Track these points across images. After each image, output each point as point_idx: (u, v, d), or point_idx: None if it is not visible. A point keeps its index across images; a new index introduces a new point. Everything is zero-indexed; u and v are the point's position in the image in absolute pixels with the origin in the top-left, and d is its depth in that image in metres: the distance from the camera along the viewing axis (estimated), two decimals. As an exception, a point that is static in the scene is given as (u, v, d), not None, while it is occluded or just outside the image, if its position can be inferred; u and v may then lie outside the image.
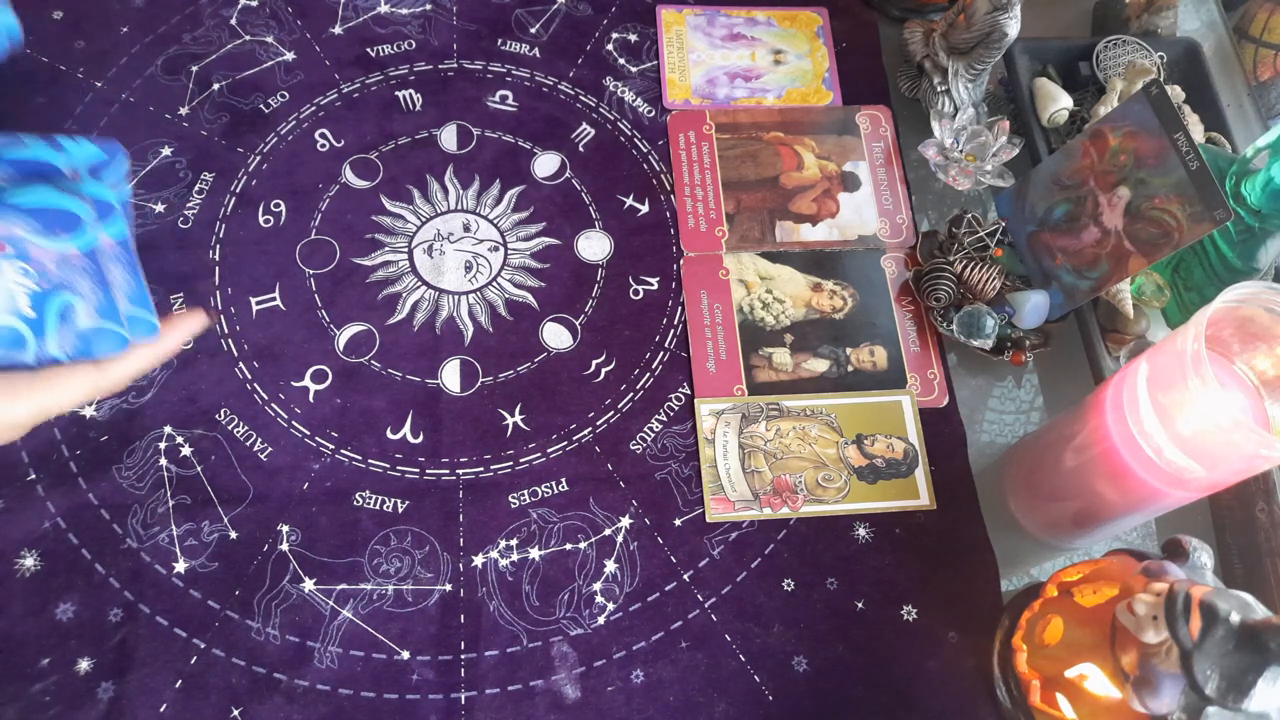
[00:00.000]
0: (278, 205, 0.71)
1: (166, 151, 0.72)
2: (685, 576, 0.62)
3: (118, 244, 0.44)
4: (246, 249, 0.70)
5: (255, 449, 0.63)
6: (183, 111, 0.74)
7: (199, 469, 0.62)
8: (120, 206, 0.44)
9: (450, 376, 0.67)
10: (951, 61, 0.75)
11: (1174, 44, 0.79)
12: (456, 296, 0.70)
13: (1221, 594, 0.44)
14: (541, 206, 0.74)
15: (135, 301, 0.44)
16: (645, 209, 0.74)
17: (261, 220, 0.71)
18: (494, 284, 0.70)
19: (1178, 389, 0.49)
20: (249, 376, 0.65)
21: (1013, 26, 0.70)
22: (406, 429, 0.65)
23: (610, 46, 0.81)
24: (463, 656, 0.59)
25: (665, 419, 0.67)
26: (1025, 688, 0.55)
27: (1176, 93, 0.75)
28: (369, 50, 0.78)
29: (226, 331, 0.67)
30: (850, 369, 0.70)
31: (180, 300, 0.67)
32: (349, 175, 0.73)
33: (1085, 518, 0.60)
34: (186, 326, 0.47)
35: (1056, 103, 0.74)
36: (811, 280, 0.73)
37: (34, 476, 0.61)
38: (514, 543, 0.62)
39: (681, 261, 0.73)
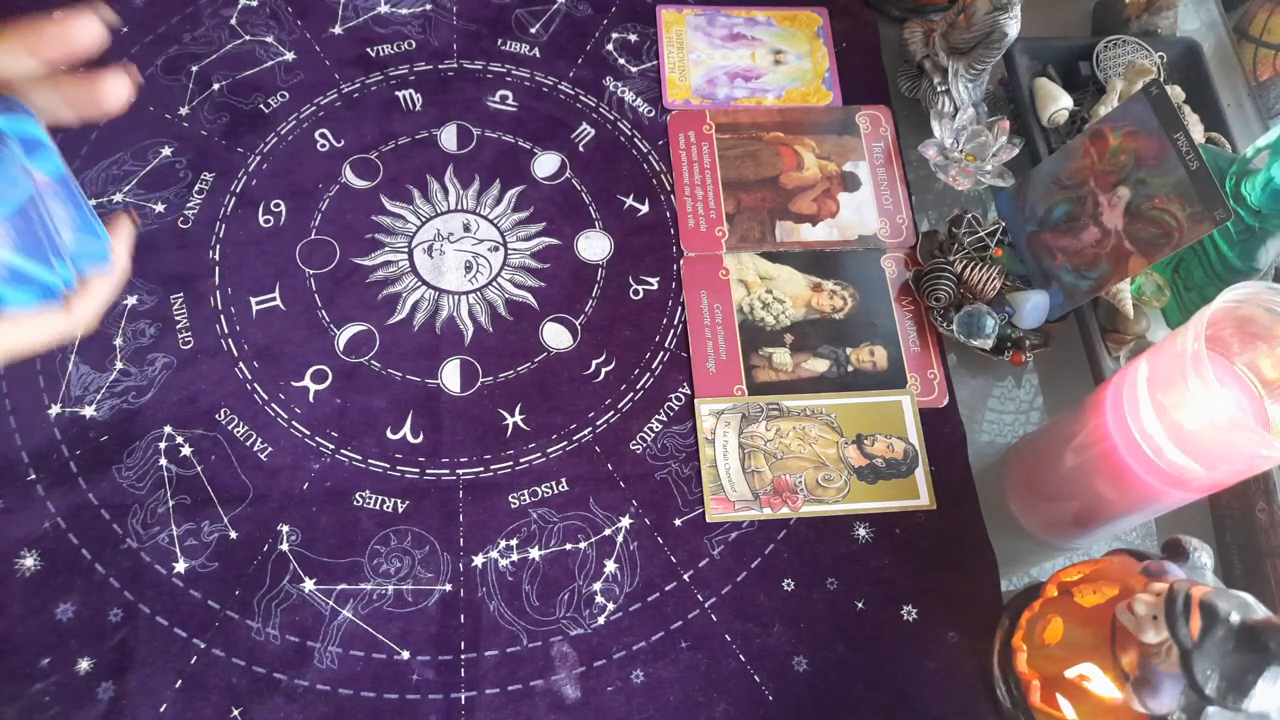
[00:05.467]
0: (278, 205, 0.71)
1: (166, 151, 0.72)
2: (685, 576, 0.62)
3: (54, 181, 0.41)
4: (246, 249, 0.70)
5: (255, 449, 0.63)
6: (183, 111, 0.74)
7: (199, 469, 0.62)
8: (47, 140, 0.40)
9: (450, 376, 0.67)
10: (951, 61, 0.75)
11: (1174, 44, 0.79)
12: (456, 296, 0.70)
13: (1221, 594, 0.44)
14: (541, 206, 0.74)
15: (85, 231, 0.42)
16: (645, 209, 0.74)
17: (261, 220, 0.71)
18: (494, 284, 0.70)
19: (1178, 389, 0.49)
20: (249, 376, 0.65)
21: (1013, 26, 0.70)
22: (406, 429, 0.65)
23: (610, 46, 0.81)
24: (463, 656, 0.59)
25: (665, 419, 0.67)
26: (1025, 688, 0.55)
27: (1176, 93, 0.75)
28: (369, 50, 0.78)
29: (226, 331, 0.67)
30: (850, 369, 0.70)
31: (180, 300, 0.67)
32: (349, 175, 0.73)
33: (1085, 518, 0.60)
34: (121, 238, 0.44)
35: (1056, 103, 0.74)
36: (811, 280, 0.73)
37: (34, 476, 0.61)
38: (514, 543, 0.62)
39: (681, 261, 0.73)
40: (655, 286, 0.72)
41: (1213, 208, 0.58)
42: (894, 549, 0.64)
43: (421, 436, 0.65)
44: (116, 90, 0.40)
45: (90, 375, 0.64)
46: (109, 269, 0.42)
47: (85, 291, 0.41)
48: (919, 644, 0.61)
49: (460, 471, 0.64)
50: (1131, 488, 0.55)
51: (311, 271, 0.69)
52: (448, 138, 0.75)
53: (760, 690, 0.60)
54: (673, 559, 0.63)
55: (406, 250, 0.71)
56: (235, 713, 0.56)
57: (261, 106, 0.75)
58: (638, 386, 0.68)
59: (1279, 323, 0.51)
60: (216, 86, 0.75)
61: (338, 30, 0.79)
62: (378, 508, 0.62)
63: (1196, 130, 0.73)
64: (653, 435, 0.66)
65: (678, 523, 0.64)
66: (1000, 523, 0.66)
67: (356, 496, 0.62)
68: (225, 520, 0.61)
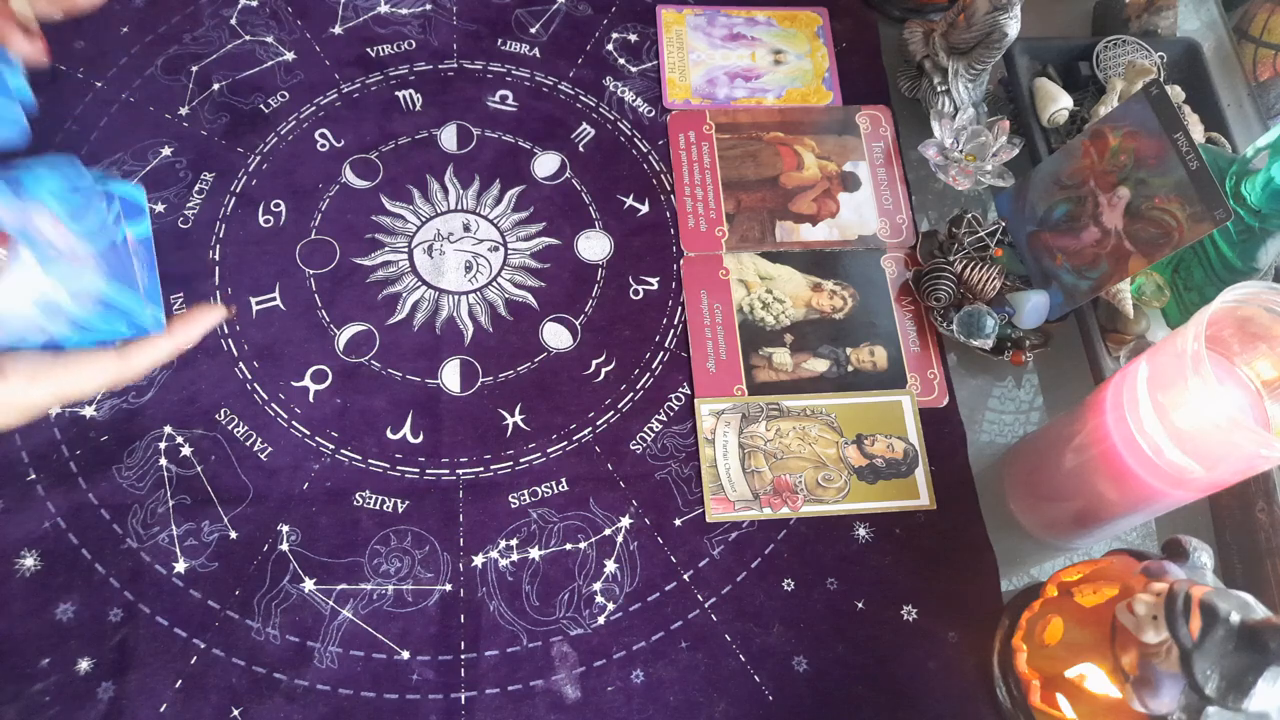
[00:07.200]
0: (278, 205, 0.71)
1: (166, 151, 0.72)
2: (685, 576, 0.62)
3: (139, 242, 0.46)
4: (246, 249, 0.70)
5: (255, 449, 0.63)
6: (183, 111, 0.74)
7: (199, 469, 0.62)
8: (146, 208, 0.47)
9: (450, 376, 0.67)
10: (951, 61, 0.75)
11: (1174, 44, 0.79)
12: (456, 296, 0.70)
13: (1221, 594, 0.44)
14: (541, 206, 0.74)
15: (149, 297, 0.46)
16: (645, 209, 0.74)
17: (261, 220, 0.71)
18: (494, 284, 0.70)
19: (1178, 389, 0.49)
20: (249, 376, 0.65)
21: (1013, 26, 0.70)
22: (406, 429, 0.65)
23: (610, 46, 0.81)
24: (463, 656, 0.59)
25: (665, 419, 0.67)
26: (1025, 688, 0.55)
27: (1176, 93, 0.75)
28: (369, 50, 0.78)
29: (226, 331, 0.67)
30: (850, 369, 0.70)
31: (180, 300, 0.67)
32: (349, 175, 0.73)
33: (1085, 518, 0.60)
34: (204, 319, 0.47)
35: (1056, 103, 0.74)
36: (811, 280, 0.73)
37: (34, 476, 0.61)
38: (514, 543, 0.62)
39: (681, 261, 0.73)
40: (655, 286, 0.72)
41: (1213, 208, 0.58)
42: (894, 549, 0.64)
43: (421, 436, 0.65)
44: None
45: (90, 375, 0.64)
46: (156, 334, 0.46)
47: (139, 346, 0.44)
48: (919, 644, 0.61)
49: (460, 471, 0.64)
50: (1131, 488, 0.55)
51: (311, 271, 0.69)
52: (448, 138, 0.75)
53: (760, 690, 0.60)
54: (673, 559, 0.63)
55: (406, 250, 0.71)
56: (235, 713, 0.56)
57: (261, 106, 0.75)
58: (638, 386, 0.68)
59: (1279, 323, 0.51)
60: (216, 86, 0.75)
61: (338, 30, 0.79)
62: (378, 508, 0.62)
63: (1196, 130, 0.73)
64: (653, 435, 0.66)
65: (678, 523, 0.64)
66: (1000, 523, 0.66)
67: (356, 496, 0.62)
68: (225, 520, 0.61)
